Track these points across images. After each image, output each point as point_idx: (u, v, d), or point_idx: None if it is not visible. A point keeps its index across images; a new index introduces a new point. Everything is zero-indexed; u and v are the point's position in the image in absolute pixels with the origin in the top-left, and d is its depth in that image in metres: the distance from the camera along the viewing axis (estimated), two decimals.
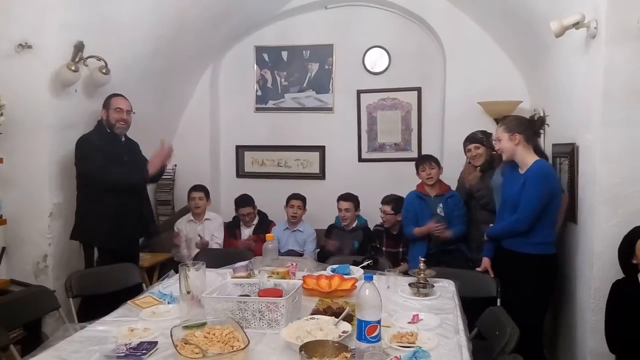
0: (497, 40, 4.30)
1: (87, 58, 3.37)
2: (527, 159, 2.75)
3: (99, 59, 3.45)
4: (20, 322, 2.58)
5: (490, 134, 3.38)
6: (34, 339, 2.86)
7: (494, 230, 2.92)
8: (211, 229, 4.29)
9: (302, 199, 4.37)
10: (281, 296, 1.99)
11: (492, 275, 2.87)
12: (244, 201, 4.39)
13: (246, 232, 4.41)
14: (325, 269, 2.79)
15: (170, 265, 3.64)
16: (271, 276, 2.27)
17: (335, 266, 2.77)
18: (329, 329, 1.83)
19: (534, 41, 3.50)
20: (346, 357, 1.56)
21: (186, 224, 4.33)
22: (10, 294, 2.94)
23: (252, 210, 4.38)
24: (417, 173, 3.81)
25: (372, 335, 1.62)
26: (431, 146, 4.63)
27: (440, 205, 3.62)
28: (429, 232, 3.60)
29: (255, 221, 4.41)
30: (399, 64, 4.76)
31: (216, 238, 4.26)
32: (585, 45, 2.65)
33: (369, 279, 1.69)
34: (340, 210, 4.15)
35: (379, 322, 1.64)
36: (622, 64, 2.41)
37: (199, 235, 4.16)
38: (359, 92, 4.84)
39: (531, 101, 4.11)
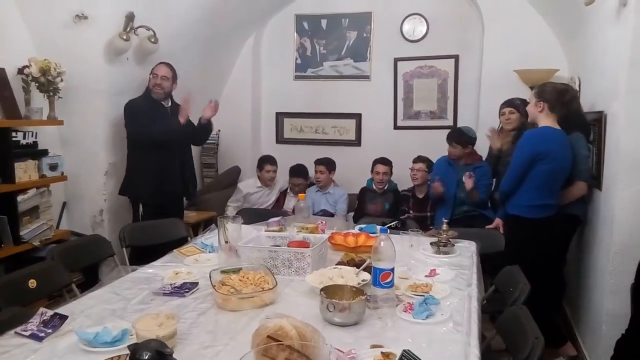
0: (537, 6, 4.24)
1: (137, 28, 3.59)
2: (541, 125, 2.85)
3: (148, 29, 3.66)
4: (80, 266, 2.82)
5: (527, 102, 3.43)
6: (92, 285, 3.17)
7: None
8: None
9: (325, 163, 4.48)
10: (308, 247, 2.19)
11: (502, 232, 3.05)
12: (296, 172, 4.55)
13: (292, 201, 4.48)
14: (353, 228, 2.96)
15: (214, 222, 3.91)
16: (300, 231, 2.48)
17: (363, 225, 2.94)
18: (350, 277, 2.02)
19: (571, 8, 3.47)
20: (361, 299, 1.74)
21: (256, 189, 4.60)
22: (71, 240, 3.27)
23: (303, 181, 4.53)
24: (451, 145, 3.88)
25: (386, 281, 1.81)
26: (467, 114, 4.65)
27: (467, 173, 3.69)
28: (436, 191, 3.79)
29: None
30: (437, 31, 4.76)
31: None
32: (617, 13, 2.64)
33: (384, 231, 1.86)
34: (378, 173, 4.24)
35: (392, 270, 1.81)
36: None
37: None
38: (396, 60, 4.88)
39: (569, 69, 4.07)
